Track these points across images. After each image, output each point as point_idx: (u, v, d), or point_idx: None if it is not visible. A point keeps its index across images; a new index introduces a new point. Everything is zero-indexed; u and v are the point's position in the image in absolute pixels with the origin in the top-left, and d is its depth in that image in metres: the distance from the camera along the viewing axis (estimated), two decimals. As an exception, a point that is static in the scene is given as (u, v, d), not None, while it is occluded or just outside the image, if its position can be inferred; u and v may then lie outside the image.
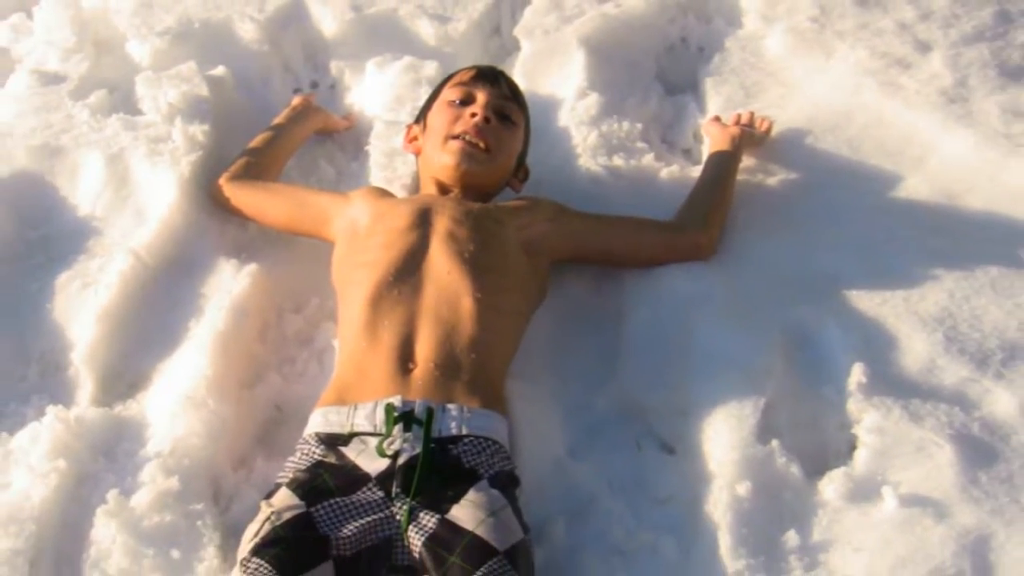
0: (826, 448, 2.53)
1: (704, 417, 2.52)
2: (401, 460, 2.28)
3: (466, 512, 2.22)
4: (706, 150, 3.23)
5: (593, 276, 2.94)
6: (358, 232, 2.78)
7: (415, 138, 3.03)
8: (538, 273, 2.79)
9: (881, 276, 2.82)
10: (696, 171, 3.14)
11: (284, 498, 2.26)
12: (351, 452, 2.34)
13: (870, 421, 2.48)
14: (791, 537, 2.31)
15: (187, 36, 3.61)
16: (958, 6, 3.60)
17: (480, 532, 2.17)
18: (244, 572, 2.12)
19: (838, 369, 2.61)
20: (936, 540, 2.25)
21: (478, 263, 2.63)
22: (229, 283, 2.83)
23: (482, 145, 2.83)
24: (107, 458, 2.48)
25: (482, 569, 2.11)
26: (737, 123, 3.25)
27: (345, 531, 2.20)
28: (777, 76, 3.51)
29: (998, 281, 2.79)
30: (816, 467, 2.47)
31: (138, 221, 2.98)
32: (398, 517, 2.24)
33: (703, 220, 2.95)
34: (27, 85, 3.44)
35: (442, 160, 2.85)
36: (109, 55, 3.62)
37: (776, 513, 2.36)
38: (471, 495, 2.25)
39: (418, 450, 2.28)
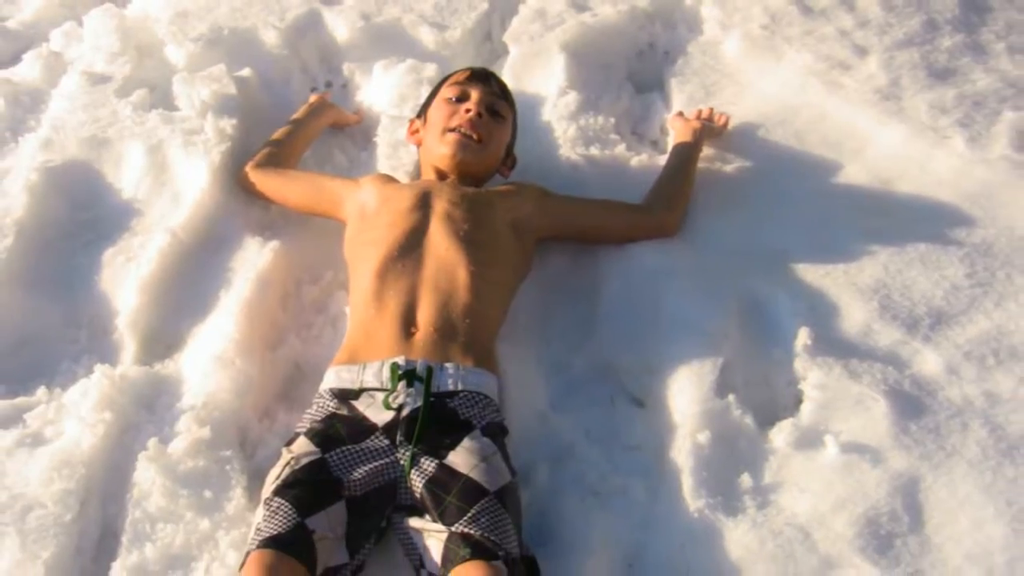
0: (776, 402, 2.52)
1: (670, 375, 2.50)
2: (404, 412, 2.27)
3: (461, 458, 2.20)
4: (671, 141, 3.20)
5: (572, 252, 2.91)
6: (367, 213, 2.75)
7: (417, 131, 3.00)
8: (525, 249, 2.76)
9: (824, 251, 2.80)
10: (662, 160, 3.11)
11: (302, 445, 2.24)
12: (361, 405, 2.32)
13: (814, 378, 2.47)
14: (745, 480, 2.30)
15: (218, 42, 3.57)
16: (892, 15, 3.57)
17: (473, 475, 2.16)
18: (267, 510, 2.10)
19: (786, 333, 2.59)
20: (872, 482, 2.25)
21: (472, 240, 2.60)
22: (254, 258, 2.80)
23: (475, 137, 2.81)
24: (147, 410, 2.48)
25: (475, 507, 2.10)
26: (698, 118, 3.22)
27: (355, 474, 2.18)
28: (733, 77, 3.48)
29: (926, 256, 2.77)
30: (767, 418, 2.46)
31: (175, 204, 2.96)
32: (402, 462, 2.22)
33: (668, 202, 2.93)
34: (77, 85, 3.41)
35: (440, 150, 2.82)
36: (149, 58, 3.59)
37: (732, 459, 2.35)
38: (466, 443, 2.24)
39: (419, 403, 2.27)
